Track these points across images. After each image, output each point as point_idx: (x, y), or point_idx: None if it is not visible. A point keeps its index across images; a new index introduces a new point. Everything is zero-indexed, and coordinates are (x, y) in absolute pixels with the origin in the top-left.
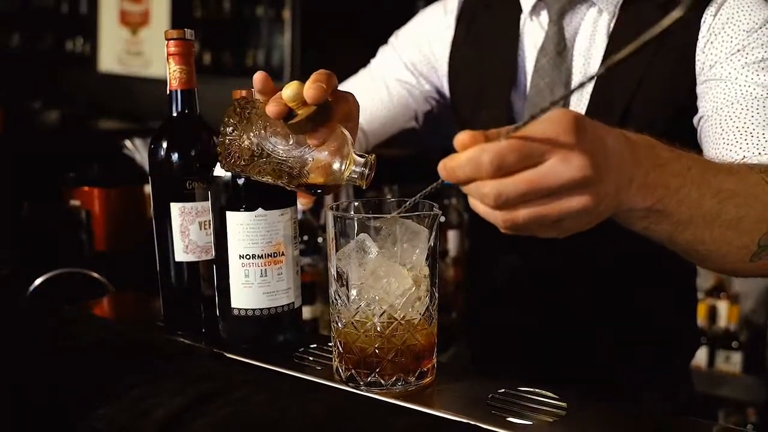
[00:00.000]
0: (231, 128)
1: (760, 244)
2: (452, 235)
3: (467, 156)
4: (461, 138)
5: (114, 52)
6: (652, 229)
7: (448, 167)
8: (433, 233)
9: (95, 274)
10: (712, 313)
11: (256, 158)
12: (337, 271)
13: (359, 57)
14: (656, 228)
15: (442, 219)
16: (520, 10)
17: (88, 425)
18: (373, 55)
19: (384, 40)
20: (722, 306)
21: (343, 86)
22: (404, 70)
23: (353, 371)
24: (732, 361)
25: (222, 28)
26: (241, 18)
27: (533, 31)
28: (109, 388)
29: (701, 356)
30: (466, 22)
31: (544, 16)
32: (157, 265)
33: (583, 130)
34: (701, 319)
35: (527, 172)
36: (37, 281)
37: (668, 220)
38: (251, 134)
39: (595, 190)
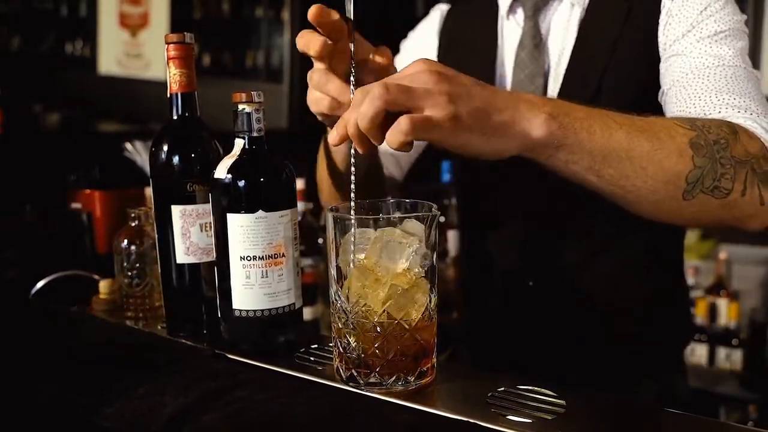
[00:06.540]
0: None
1: (688, 180)
2: (452, 235)
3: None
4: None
5: (114, 54)
6: (573, 168)
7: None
8: (433, 233)
9: (97, 277)
10: (713, 311)
11: None
12: (337, 272)
13: None
14: (577, 166)
15: (442, 219)
16: (497, 13)
17: (96, 423)
18: None
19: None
20: (722, 303)
21: None
22: None
23: (353, 371)
24: (732, 359)
25: (221, 29)
26: (240, 19)
27: (511, 30)
28: (114, 387)
29: (702, 354)
30: (447, 36)
31: (520, 13)
32: (159, 267)
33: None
34: (702, 317)
35: None
36: (40, 284)
37: (583, 151)
38: None
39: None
